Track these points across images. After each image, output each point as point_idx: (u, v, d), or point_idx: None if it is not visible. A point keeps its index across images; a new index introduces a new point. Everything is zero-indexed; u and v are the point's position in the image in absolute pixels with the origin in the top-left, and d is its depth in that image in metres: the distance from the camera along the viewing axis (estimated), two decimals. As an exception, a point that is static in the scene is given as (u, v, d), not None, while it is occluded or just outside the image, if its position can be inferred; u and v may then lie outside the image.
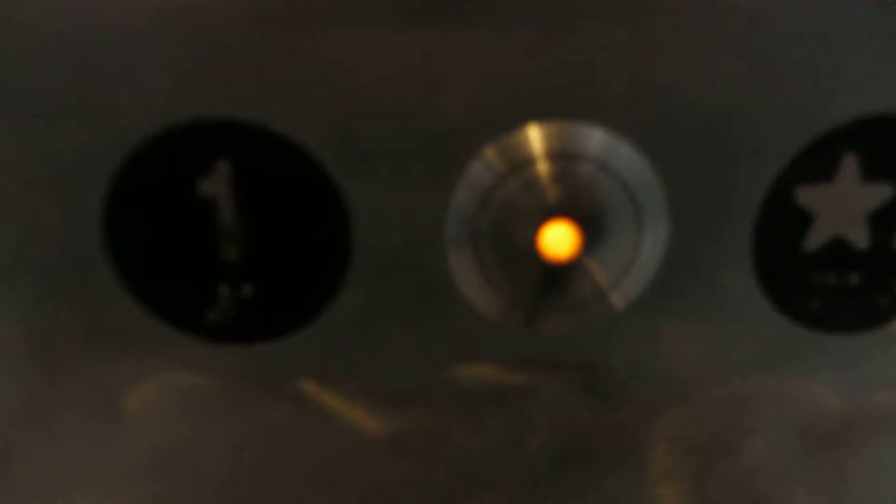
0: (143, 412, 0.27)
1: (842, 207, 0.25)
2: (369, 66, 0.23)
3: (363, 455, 0.28)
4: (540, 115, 0.24)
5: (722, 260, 0.26)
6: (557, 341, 0.27)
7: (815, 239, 0.26)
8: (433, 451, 0.29)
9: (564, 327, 0.27)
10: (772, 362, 0.28)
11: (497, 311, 0.26)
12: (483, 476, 0.29)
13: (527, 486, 0.29)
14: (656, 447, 0.29)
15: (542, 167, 0.24)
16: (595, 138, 0.24)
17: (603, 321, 0.26)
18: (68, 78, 0.23)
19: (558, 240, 0.24)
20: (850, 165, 0.25)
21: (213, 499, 0.28)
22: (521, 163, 0.24)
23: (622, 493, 0.29)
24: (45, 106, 0.23)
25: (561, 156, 0.24)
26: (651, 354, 0.28)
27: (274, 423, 0.28)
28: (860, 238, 0.26)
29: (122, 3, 0.22)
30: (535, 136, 0.24)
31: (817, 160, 0.25)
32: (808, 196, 0.25)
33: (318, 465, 0.28)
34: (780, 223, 0.25)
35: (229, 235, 0.24)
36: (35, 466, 0.27)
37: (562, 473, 0.29)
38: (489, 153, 0.24)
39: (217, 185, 0.23)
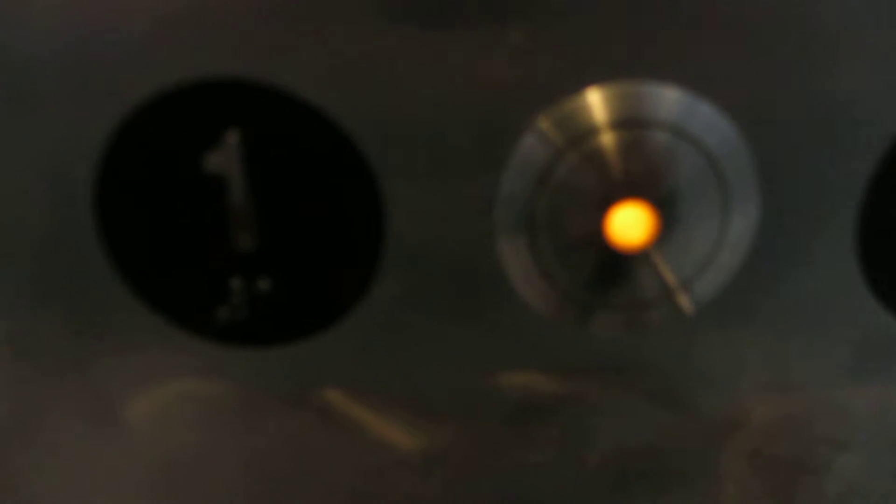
0: (146, 422, 0.25)
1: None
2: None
3: (395, 473, 0.26)
4: (602, 78, 0.21)
5: (820, 246, 0.22)
6: (617, 343, 0.24)
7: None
8: (475, 468, 0.26)
9: (622, 327, 0.23)
10: (872, 368, 0.24)
11: (551, 308, 0.22)
12: (534, 498, 0.26)
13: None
14: (733, 464, 0.26)
15: (607, 138, 0.21)
16: (670, 101, 0.20)
17: (670, 323, 0.23)
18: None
19: (630, 224, 0.20)
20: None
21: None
22: (581, 134, 0.21)
23: None
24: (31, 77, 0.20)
25: (629, 123, 0.21)
26: (728, 358, 0.25)
27: (293, 436, 0.25)
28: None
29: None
30: (596, 102, 0.21)
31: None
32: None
33: (343, 484, 0.26)
34: (891, 201, 0.22)
35: (241, 219, 0.21)
36: (27, 481, 0.25)
37: (623, 493, 0.26)
38: (544, 124, 0.21)
39: (226, 158, 0.20)
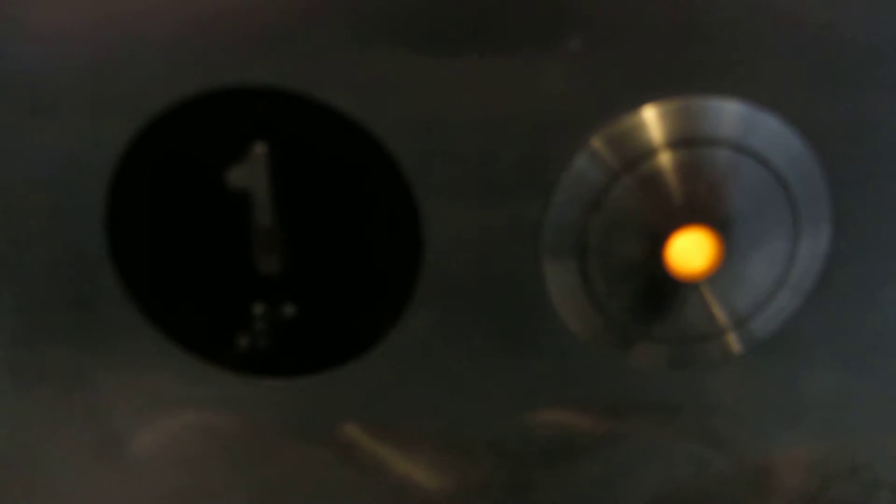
0: (151, 455, 0.23)
1: None
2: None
3: None
4: (659, 94, 0.19)
5: (890, 279, 0.21)
6: (663, 379, 0.23)
7: None
8: None
9: (667, 361, 0.22)
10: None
11: (595, 338, 0.21)
12: None
13: None
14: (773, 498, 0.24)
15: (665, 158, 0.19)
16: (731, 116, 0.19)
17: (721, 359, 0.21)
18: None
19: (691, 251, 0.19)
20: None
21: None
22: (638, 155, 0.19)
23: None
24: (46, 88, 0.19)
25: (688, 142, 0.19)
26: (784, 398, 0.23)
27: (310, 474, 0.24)
28: None
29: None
30: (653, 120, 0.19)
31: None
32: None
33: None
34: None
35: (266, 240, 0.19)
36: None
37: None
38: (597, 144, 0.20)
39: (252, 173, 0.19)
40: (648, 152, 0.19)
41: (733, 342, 0.21)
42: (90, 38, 0.18)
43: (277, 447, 0.23)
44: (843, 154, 0.20)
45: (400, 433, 0.23)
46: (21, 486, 0.23)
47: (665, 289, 0.20)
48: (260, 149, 0.19)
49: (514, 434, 0.23)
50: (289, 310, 0.20)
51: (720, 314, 0.21)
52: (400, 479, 0.23)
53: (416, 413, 0.23)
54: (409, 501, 0.24)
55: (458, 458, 0.23)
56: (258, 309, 0.20)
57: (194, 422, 0.23)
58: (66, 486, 0.23)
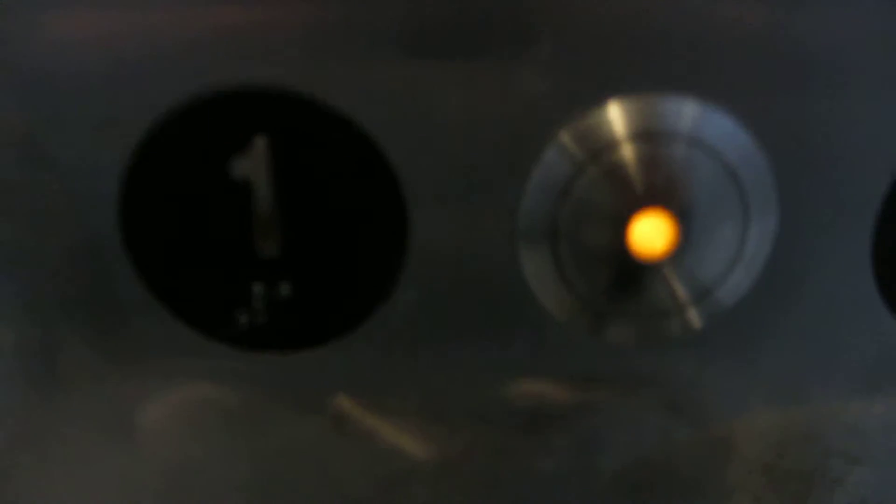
0: (160, 428, 0.25)
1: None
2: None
3: (408, 481, 0.26)
4: (622, 92, 0.21)
5: (835, 259, 0.23)
6: (633, 354, 0.24)
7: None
8: (488, 477, 0.26)
9: (636, 337, 0.24)
10: (885, 381, 0.25)
11: (568, 315, 0.23)
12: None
13: None
14: (747, 477, 0.26)
15: (627, 150, 0.21)
16: (688, 113, 0.21)
17: (685, 335, 0.23)
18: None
19: (649, 234, 0.21)
20: None
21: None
22: (602, 147, 0.21)
23: None
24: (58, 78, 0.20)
25: (648, 136, 0.21)
26: (743, 369, 0.24)
27: (308, 442, 0.25)
28: None
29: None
30: (616, 115, 0.21)
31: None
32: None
33: (356, 492, 0.26)
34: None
35: (266, 225, 0.21)
36: (38, 486, 0.25)
37: (636, 503, 0.25)
38: (566, 138, 0.21)
39: (253, 165, 0.20)
40: (612, 145, 0.21)
41: (694, 318, 0.23)
42: (107, 45, 0.20)
43: (274, 418, 0.25)
44: (789, 148, 0.21)
45: (388, 404, 0.25)
46: (37, 456, 0.25)
47: (630, 269, 0.22)
48: (261, 143, 0.20)
49: (493, 404, 0.24)
50: (285, 289, 0.22)
51: (681, 292, 0.22)
52: (388, 447, 0.25)
53: (403, 385, 0.24)
54: (397, 467, 0.25)
55: (442, 427, 0.25)
56: (257, 288, 0.22)
57: (197, 394, 0.24)
58: (80, 455, 0.25)
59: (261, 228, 0.21)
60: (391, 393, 0.24)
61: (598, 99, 0.21)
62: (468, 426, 0.25)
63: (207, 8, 0.20)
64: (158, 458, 0.25)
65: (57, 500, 0.25)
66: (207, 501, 0.25)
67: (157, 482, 0.25)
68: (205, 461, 0.25)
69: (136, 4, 0.20)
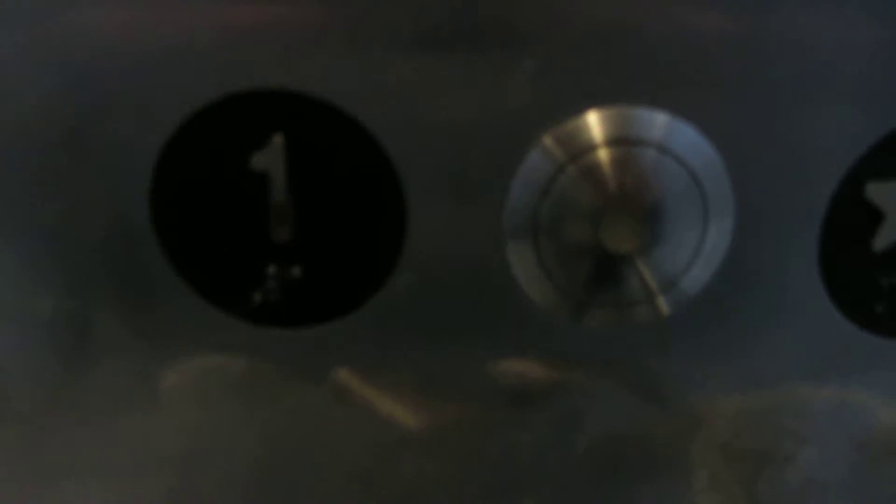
0: (178, 395, 0.27)
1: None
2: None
3: (401, 450, 0.28)
4: (601, 102, 0.23)
5: (786, 257, 0.25)
6: (608, 339, 0.26)
7: (884, 238, 0.25)
8: (475, 448, 0.28)
9: (611, 323, 0.26)
10: (831, 368, 0.27)
11: (550, 304, 0.25)
12: (526, 476, 0.28)
13: (571, 488, 0.28)
14: (706, 454, 0.28)
15: (603, 153, 0.23)
16: (658, 123, 0.23)
17: (650, 322, 0.25)
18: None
19: (620, 231, 0.23)
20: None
21: (244, 489, 0.28)
22: (580, 150, 0.23)
23: (669, 499, 0.28)
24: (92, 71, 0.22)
25: (622, 141, 0.23)
26: (704, 356, 0.27)
27: (312, 410, 0.27)
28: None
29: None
30: (595, 122, 0.23)
31: (890, 156, 0.24)
32: (878, 192, 0.24)
33: (354, 458, 0.28)
34: (848, 220, 0.24)
35: (280, 213, 0.23)
36: (65, 450, 0.27)
37: (607, 477, 0.28)
38: (548, 141, 0.23)
39: (271, 159, 0.23)
40: (589, 148, 0.23)
41: (662, 305, 0.25)
42: (146, 41, 0.22)
43: (282, 388, 0.27)
44: (747, 155, 0.24)
45: (385, 378, 0.27)
46: (67, 419, 0.27)
47: (604, 262, 0.24)
48: (278, 139, 0.23)
49: (480, 382, 0.27)
50: (296, 271, 0.24)
51: (651, 282, 0.25)
52: (385, 418, 0.27)
53: (399, 361, 0.26)
54: (393, 436, 0.27)
55: (434, 400, 0.27)
56: (271, 270, 0.24)
57: (213, 365, 0.26)
58: (106, 419, 0.27)
59: (276, 216, 0.23)
60: (388, 368, 0.26)
61: (579, 107, 0.23)
62: (457, 400, 0.27)
63: (220, 8, 0.22)
64: (178, 422, 0.27)
65: (85, 461, 0.27)
66: (220, 462, 0.27)
67: (177, 444, 0.27)
68: (217, 426, 0.27)
69: (174, 4, 0.22)
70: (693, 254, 0.24)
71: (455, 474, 0.28)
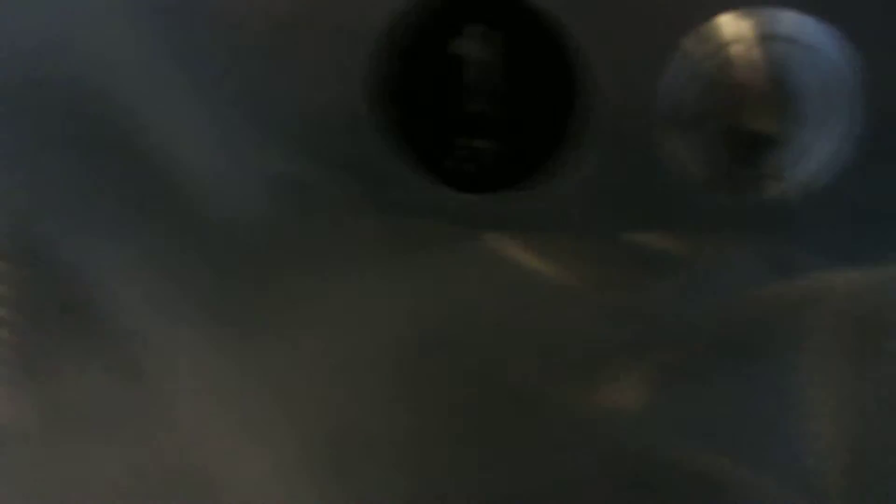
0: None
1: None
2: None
3: (540, 306, 0.30)
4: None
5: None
6: (740, 211, 0.29)
7: None
8: (611, 307, 0.31)
9: (744, 197, 0.29)
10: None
11: (700, 178, 0.29)
12: (652, 340, 0.31)
13: (692, 355, 0.31)
14: (825, 325, 0.30)
15: (738, 48, 0.27)
16: (790, 20, 0.27)
17: (782, 199, 0.29)
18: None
19: (762, 111, 0.27)
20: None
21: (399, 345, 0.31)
22: (718, 47, 0.27)
23: (786, 369, 0.31)
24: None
25: (761, 38, 0.27)
26: (831, 233, 0.30)
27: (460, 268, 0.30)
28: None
29: None
30: (729, 21, 0.27)
31: None
32: None
33: (493, 307, 0.30)
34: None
35: (474, 92, 0.27)
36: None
37: (726, 346, 0.31)
38: (689, 42, 0.27)
39: (468, 45, 0.26)
40: (726, 45, 0.27)
41: (792, 185, 0.29)
42: None
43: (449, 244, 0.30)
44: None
45: (535, 239, 0.31)
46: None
47: (744, 140, 0.28)
48: (475, 29, 0.26)
49: (618, 248, 0.31)
50: (484, 143, 0.27)
51: (785, 161, 0.28)
52: (529, 270, 0.30)
53: (550, 221, 0.30)
54: (532, 290, 0.30)
55: (576, 261, 0.31)
56: (461, 141, 0.27)
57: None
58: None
59: (469, 94, 0.28)
60: (536, 226, 0.30)
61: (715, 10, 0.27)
62: (596, 263, 0.31)
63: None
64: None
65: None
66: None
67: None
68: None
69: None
70: (827, 142, 0.28)
71: (591, 332, 0.30)
